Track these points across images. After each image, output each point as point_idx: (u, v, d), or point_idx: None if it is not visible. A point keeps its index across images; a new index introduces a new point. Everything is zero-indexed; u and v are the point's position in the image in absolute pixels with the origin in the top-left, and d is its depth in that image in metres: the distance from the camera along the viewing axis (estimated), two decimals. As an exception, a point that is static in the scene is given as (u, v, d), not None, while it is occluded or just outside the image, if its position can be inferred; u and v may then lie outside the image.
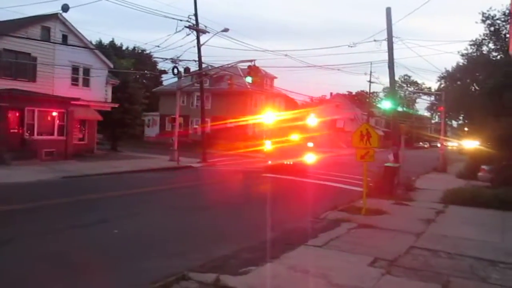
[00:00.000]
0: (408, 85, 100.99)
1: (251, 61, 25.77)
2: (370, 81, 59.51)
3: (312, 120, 26.82)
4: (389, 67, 18.36)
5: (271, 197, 15.93)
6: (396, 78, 21.55)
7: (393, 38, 18.48)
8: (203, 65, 30.62)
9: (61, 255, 7.56)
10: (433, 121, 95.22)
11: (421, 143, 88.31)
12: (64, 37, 26.63)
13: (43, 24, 25.70)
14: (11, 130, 22.30)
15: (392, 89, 20.84)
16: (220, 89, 45.53)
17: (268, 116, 25.70)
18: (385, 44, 18.69)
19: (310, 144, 24.46)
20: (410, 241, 8.83)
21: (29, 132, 23.08)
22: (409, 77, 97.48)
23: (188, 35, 28.23)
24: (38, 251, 7.78)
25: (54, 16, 25.89)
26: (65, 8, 22.03)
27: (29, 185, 16.03)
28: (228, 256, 7.40)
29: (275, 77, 52.79)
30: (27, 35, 23.93)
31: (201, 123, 31.35)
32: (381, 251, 7.86)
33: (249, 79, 27.41)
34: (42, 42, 24.85)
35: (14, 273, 6.62)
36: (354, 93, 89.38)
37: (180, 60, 28.68)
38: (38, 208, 11.76)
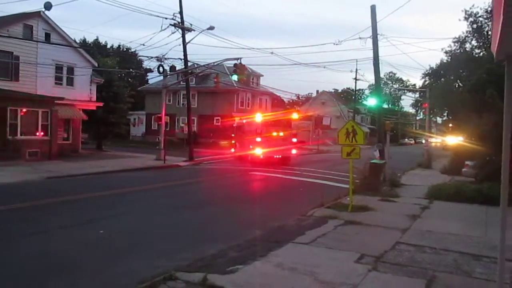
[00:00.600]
0: (393, 82, 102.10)
1: (237, 59, 25.72)
2: (355, 79, 59.88)
3: (297, 117, 29.15)
4: (374, 64, 18.52)
5: (258, 195, 15.97)
6: (381, 75, 21.73)
7: (378, 36, 18.65)
8: (189, 64, 30.44)
9: (46, 256, 7.47)
10: (418, 118, 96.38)
11: (406, 139, 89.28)
12: (47, 36, 26.28)
13: (26, 22, 25.30)
14: (-6, 130, 21.92)
15: (377, 86, 21.03)
16: (206, 88, 45.42)
17: (257, 116, 27.49)
18: (370, 42, 18.87)
19: (294, 140, 27.31)
20: (396, 237, 8.92)
21: (12, 132, 22.69)
22: (394, 74, 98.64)
23: (173, 33, 28.06)
24: (23, 252, 7.66)
25: (36, 14, 25.53)
26: (48, 6, 21.73)
27: (13, 185, 15.78)
28: (216, 255, 7.39)
29: (262, 75, 52.85)
30: (9, 33, 23.56)
31: (188, 122, 31.21)
32: (367, 248, 7.92)
33: (235, 77, 27.38)
34: (24, 40, 24.49)
35: (-2, 276, 6.52)
36: (340, 91, 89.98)
37: (166, 59, 28.54)
38: (23, 209, 11.59)
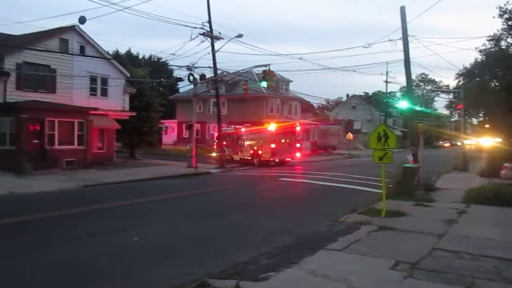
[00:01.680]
0: (426, 84, 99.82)
1: (265, 65, 25.86)
2: (386, 81, 58.87)
3: (299, 129, 33.68)
4: (405, 66, 18.19)
5: (288, 201, 15.90)
6: (413, 77, 21.35)
7: (409, 37, 18.32)
8: (218, 71, 30.82)
9: (81, 263, 7.65)
10: (452, 119, 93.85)
11: (440, 142, 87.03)
12: (82, 48, 27.13)
13: (61, 36, 26.22)
14: (33, 141, 22.75)
15: (408, 89, 20.63)
16: (236, 95, 45.73)
17: (270, 126, 31.35)
18: (400, 44, 18.54)
19: (298, 145, 32.27)
20: (431, 242, 8.68)
21: (50, 142, 23.48)
22: (427, 75, 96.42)
23: (202, 42, 28.53)
24: (59, 259, 7.88)
25: (71, 28, 26.42)
26: (82, 20, 22.47)
27: (50, 194, 16.33)
28: (247, 262, 7.39)
29: (291, 81, 52.78)
30: (46, 47, 24.48)
31: (218, 129, 31.49)
32: (402, 254, 7.74)
33: (264, 84, 27.49)
34: (60, 54, 25.39)
35: (36, 281, 6.74)
36: (370, 94, 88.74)
37: (196, 67, 29.02)
38: (59, 217, 11.95)
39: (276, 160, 30.48)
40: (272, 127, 30.44)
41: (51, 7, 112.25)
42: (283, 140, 30.82)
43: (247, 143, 32.50)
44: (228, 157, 31.85)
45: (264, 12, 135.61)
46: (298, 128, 32.46)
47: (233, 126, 35.68)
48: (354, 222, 10.59)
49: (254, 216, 12.64)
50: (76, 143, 24.74)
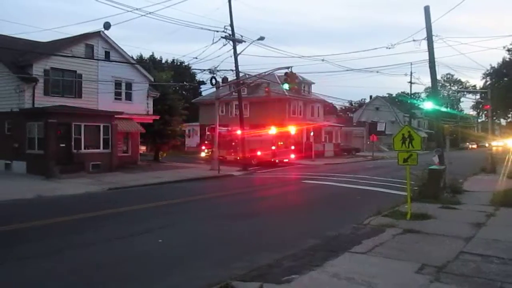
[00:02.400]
0: (451, 84, 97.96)
1: (287, 67, 25.85)
2: (410, 82, 57.97)
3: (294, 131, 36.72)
4: (430, 66, 17.86)
5: (311, 203, 15.81)
6: (438, 77, 20.95)
7: (433, 37, 17.98)
8: (241, 74, 30.92)
9: (106, 265, 7.79)
10: (479, 120, 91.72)
11: (467, 143, 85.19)
12: (107, 54, 27.68)
13: (87, 42, 26.81)
14: (60, 145, 23.31)
15: (434, 89, 20.27)
16: (258, 97, 45.76)
17: (271, 130, 34.35)
18: (424, 44, 18.20)
19: (293, 147, 35.40)
20: (459, 246, 8.49)
21: (76, 146, 24.01)
22: (452, 75, 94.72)
23: (224, 45, 28.71)
24: (85, 261, 8.05)
25: (97, 34, 27.00)
26: (107, 25, 22.95)
27: (77, 197, 16.69)
28: (271, 264, 7.38)
29: (313, 83, 52.46)
30: (72, 53, 25.07)
31: (241, 131, 31.59)
32: (428, 257, 7.59)
33: (286, 86, 27.48)
34: (86, 59, 25.97)
35: (66, 282, 6.90)
36: (394, 95, 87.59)
37: (218, 70, 29.18)
38: (86, 219, 12.19)
39: (277, 160, 33.21)
40: (272, 131, 33.59)
41: (77, 14, 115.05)
42: (280, 143, 33.94)
43: (247, 143, 33.20)
44: (221, 157, 32.16)
45: (286, 15, 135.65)
46: (292, 133, 35.34)
47: (227, 128, 37.00)
48: (378, 224, 10.45)
49: (278, 218, 12.63)
50: (101, 146, 25.22)
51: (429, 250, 8.21)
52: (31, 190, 17.14)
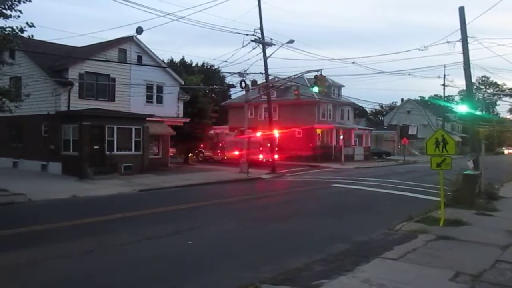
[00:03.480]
0: (487, 87, 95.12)
1: (317, 70, 25.71)
2: (444, 85, 56.60)
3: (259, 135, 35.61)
4: (464, 69, 17.41)
5: (343, 207, 15.64)
6: (473, 80, 20.36)
7: (468, 38, 17.53)
8: (270, 77, 30.96)
9: (135, 266, 7.90)
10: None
11: (504, 148, 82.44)
12: (139, 58, 28.24)
13: (120, 47, 27.44)
14: (94, 147, 23.92)
15: (468, 92, 19.74)
16: (287, 100, 45.65)
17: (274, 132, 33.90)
18: (459, 45, 17.79)
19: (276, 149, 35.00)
20: (495, 254, 8.22)
21: (109, 148, 24.58)
22: (488, 78, 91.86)
23: (254, 48, 28.82)
24: (116, 261, 8.22)
25: (129, 39, 27.59)
26: (139, 30, 23.40)
27: (110, 198, 17.08)
28: (300, 268, 7.34)
29: (343, 86, 51.92)
30: (106, 57, 25.71)
31: (269, 133, 31.60)
32: (463, 265, 7.39)
33: (316, 89, 27.32)
34: (119, 63, 26.58)
35: (96, 281, 7.07)
36: (426, 98, 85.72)
37: (247, 74, 29.32)
38: (119, 219, 12.44)
39: (264, 160, 35.24)
40: (258, 134, 35.01)
41: (111, 21, 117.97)
42: (268, 145, 34.80)
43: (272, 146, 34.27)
44: (207, 157, 38.27)
45: (316, 17, 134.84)
46: (276, 135, 35.63)
47: (220, 130, 41.04)
48: (410, 230, 10.25)
49: (308, 221, 12.55)
50: (133, 148, 25.71)
51: (464, 257, 8.00)
52: (66, 191, 17.65)
